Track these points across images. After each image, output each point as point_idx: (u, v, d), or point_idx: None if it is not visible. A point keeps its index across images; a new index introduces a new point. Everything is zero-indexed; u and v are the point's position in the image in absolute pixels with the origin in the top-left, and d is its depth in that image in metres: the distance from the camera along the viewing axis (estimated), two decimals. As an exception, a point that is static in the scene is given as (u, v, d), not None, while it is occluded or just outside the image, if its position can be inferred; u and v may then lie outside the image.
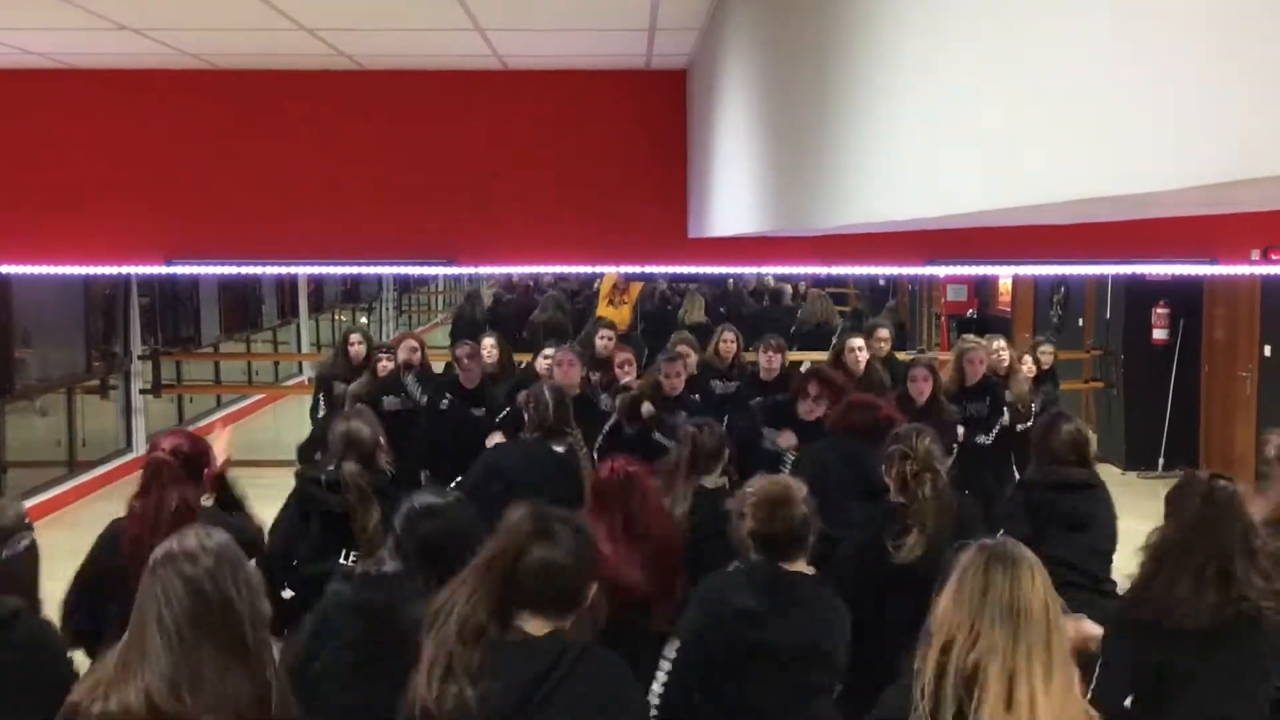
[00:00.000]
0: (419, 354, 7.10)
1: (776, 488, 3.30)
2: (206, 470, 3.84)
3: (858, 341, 7.03)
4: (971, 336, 7.60)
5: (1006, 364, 7.16)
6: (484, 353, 7.14)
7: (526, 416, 5.06)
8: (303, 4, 4.66)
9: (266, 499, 4.80)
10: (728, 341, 7.56)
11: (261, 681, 2.27)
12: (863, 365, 6.88)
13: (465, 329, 10.48)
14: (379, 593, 2.93)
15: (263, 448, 11.12)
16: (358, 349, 7.38)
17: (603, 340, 7.64)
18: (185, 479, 3.65)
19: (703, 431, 4.28)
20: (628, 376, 6.63)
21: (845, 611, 3.31)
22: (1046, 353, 7.90)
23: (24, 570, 3.04)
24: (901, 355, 8.28)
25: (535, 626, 2.38)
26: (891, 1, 2.13)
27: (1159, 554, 3.12)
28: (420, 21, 5.04)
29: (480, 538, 2.56)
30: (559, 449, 4.93)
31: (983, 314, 15.87)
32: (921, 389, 6.25)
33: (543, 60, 6.12)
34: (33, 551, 3.10)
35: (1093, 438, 11.57)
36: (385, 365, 6.99)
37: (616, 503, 3.72)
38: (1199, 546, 3.03)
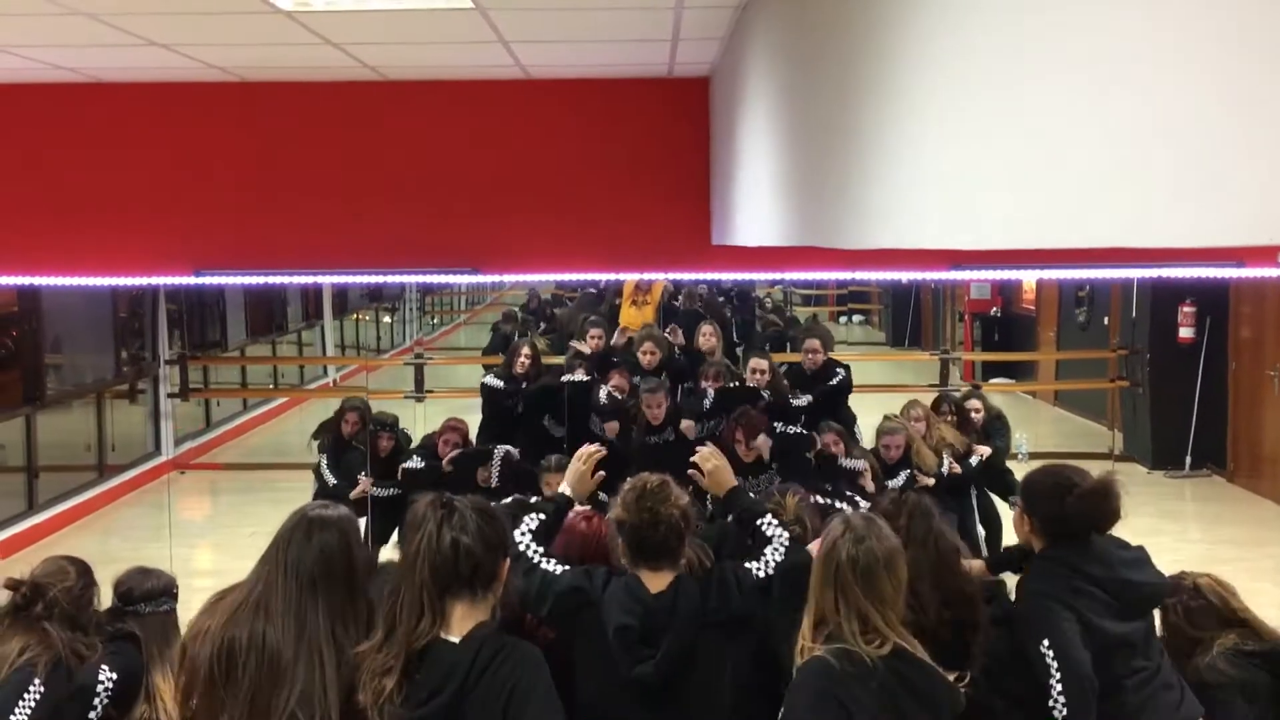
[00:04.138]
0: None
1: (654, 480, 3.09)
2: None
3: (761, 363, 7.13)
4: (895, 416, 7.05)
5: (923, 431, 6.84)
6: (521, 359, 7.43)
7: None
8: (331, 20, 4.71)
9: (291, 502, 4.84)
10: (706, 335, 7.87)
11: None
12: (764, 384, 6.97)
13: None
14: None
15: (289, 450, 11.21)
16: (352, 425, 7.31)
17: (593, 340, 8.14)
18: None
19: None
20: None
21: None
22: (973, 408, 7.33)
23: (153, 631, 3.32)
24: (906, 356, 8.30)
25: (460, 616, 2.53)
26: (920, 26, 2.15)
27: None
28: (445, 34, 5.08)
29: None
30: None
31: (1007, 312, 15.82)
32: (833, 452, 6.22)
33: (565, 69, 6.15)
34: (170, 617, 3.40)
35: (1118, 437, 11.62)
36: (385, 446, 7.10)
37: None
38: None
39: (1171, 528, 9.08)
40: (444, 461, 6.62)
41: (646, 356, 7.59)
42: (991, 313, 15.69)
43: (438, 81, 6.33)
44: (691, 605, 2.96)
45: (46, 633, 3.18)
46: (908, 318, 18.89)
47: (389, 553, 5.84)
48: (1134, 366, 11.50)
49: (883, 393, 7.66)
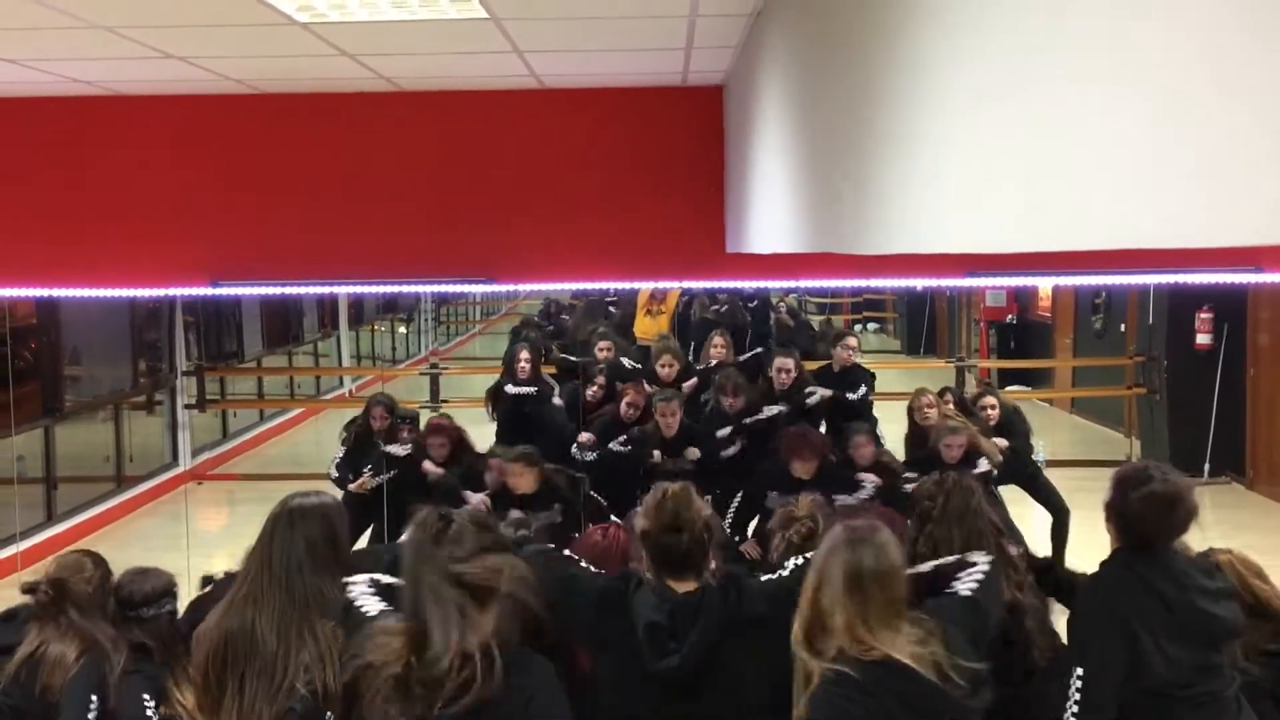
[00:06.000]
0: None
1: (678, 490, 3.10)
2: None
3: (787, 362, 7.35)
4: (953, 417, 6.88)
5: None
6: (518, 366, 7.49)
7: None
8: (346, 32, 4.74)
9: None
10: (717, 346, 7.90)
11: None
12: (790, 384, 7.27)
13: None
14: None
15: (306, 461, 11.25)
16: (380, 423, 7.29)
17: (602, 352, 7.96)
18: None
19: None
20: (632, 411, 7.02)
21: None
22: (989, 404, 7.20)
23: (161, 633, 3.38)
24: (922, 364, 8.32)
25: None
26: (934, 31, 2.15)
27: None
28: (461, 45, 5.10)
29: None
30: None
31: (1022, 319, 15.77)
32: (864, 454, 6.25)
33: (580, 79, 6.17)
34: (171, 619, 3.45)
35: (1135, 444, 11.56)
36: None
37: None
38: None
39: (1190, 536, 9.01)
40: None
41: (664, 369, 7.56)
42: (1007, 320, 15.65)
43: (453, 91, 6.35)
44: (715, 603, 2.96)
45: (95, 630, 3.27)
46: (923, 325, 18.85)
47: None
48: (1151, 373, 11.45)
49: (899, 400, 7.64)
